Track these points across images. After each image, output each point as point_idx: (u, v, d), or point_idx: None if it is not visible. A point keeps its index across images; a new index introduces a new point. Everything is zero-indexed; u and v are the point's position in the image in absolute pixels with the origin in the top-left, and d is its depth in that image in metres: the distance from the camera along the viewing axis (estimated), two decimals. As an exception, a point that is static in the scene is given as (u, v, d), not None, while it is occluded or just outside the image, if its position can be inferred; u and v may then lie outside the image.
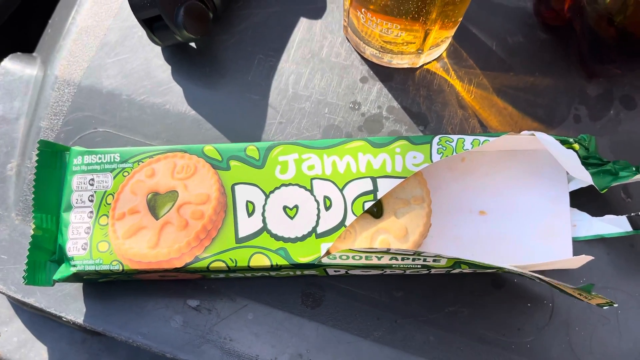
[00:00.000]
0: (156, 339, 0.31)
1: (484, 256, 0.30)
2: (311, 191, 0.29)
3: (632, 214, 0.31)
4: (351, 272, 0.31)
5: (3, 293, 0.32)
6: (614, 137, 0.34)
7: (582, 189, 0.33)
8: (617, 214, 0.32)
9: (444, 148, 0.29)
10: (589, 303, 0.29)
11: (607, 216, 0.32)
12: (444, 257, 0.27)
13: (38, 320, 0.37)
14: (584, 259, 0.29)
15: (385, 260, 0.28)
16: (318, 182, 0.30)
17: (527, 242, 0.32)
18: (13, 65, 0.38)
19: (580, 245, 0.32)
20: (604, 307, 0.28)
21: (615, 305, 0.28)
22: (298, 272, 0.30)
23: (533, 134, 0.30)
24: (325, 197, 0.29)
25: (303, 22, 0.37)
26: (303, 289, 0.32)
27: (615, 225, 0.31)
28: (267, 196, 0.30)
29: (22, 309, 0.37)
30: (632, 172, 0.30)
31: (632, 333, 0.31)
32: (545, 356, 0.31)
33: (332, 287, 0.32)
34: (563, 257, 0.31)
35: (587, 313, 0.31)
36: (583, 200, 0.33)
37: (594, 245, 0.32)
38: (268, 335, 0.31)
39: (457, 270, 0.30)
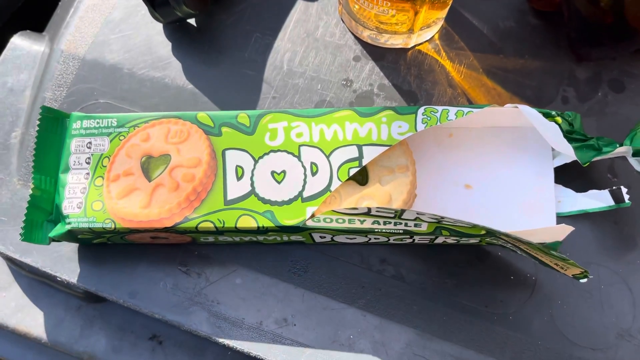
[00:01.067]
0: (146, 300, 0.32)
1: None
2: (299, 157, 0.30)
3: (614, 187, 0.32)
4: (337, 239, 0.31)
5: (1, 253, 0.34)
6: (601, 118, 0.35)
7: (568, 168, 0.33)
8: (602, 192, 0.33)
9: (429, 118, 0.30)
10: (566, 274, 0.29)
11: (590, 191, 0.32)
12: (424, 220, 0.28)
13: (36, 286, 0.38)
14: (565, 228, 0.29)
15: (368, 224, 0.29)
16: (306, 148, 0.30)
17: (511, 216, 0.32)
18: (22, 41, 0.39)
19: (564, 221, 0.32)
20: (581, 280, 0.29)
21: (591, 277, 0.28)
22: (285, 238, 0.31)
23: (516, 107, 0.30)
24: (312, 163, 0.30)
25: (300, 4, 0.38)
26: (290, 256, 0.33)
27: (598, 200, 0.32)
28: (256, 161, 0.30)
29: (20, 275, 0.38)
30: (615, 148, 0.31)
31: (614, 308, 0.31)
32: (527, 328, 0.31)
33: (318, 256, 0.33)
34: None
35: (570, 288, 0.32)
36: (569, 177, 0.33)
37: (578, 221, 0.32)
38: (255, 300, 0.32)
39: (440, 240, 0.31)
